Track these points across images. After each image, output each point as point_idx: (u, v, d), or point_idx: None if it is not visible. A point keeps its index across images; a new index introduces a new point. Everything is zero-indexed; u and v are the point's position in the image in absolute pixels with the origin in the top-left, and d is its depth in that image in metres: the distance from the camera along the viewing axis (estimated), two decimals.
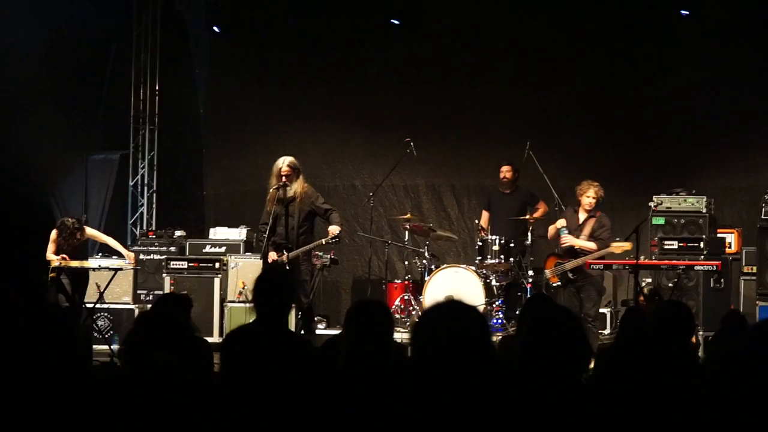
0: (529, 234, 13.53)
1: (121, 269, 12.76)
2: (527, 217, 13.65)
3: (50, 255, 12.27)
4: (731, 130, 14.66)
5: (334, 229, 11.68)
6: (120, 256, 13.15)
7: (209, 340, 9.22)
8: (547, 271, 12.36)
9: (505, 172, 13.99)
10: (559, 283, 12.17)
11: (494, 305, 13.27)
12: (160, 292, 14.12)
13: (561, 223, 12.19)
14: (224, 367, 4.46)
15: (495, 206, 14.14)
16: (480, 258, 13.51)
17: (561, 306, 5.49)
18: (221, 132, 16.87)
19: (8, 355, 4.70)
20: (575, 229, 12.06)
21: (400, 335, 13.26)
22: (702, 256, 12.38)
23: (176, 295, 8.37)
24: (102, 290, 12.44)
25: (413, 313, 13.61)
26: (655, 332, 6.56)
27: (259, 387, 4.02)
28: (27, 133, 14.39)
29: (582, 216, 12.16)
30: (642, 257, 11.51)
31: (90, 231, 12.92)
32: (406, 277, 14.10)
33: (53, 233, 12.41)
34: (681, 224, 12.96)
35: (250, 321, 5.60)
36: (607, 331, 13.52)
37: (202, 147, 17.15)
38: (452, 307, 3.69)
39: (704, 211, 13.12)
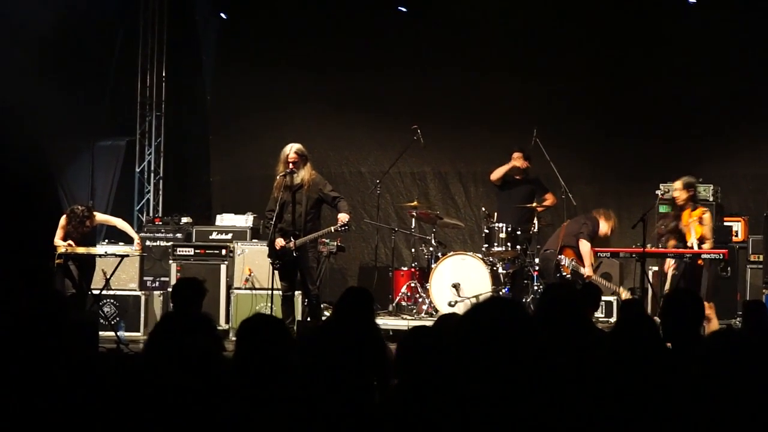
0: (536, 222, 13.52)
1: (127, 256, 12.75)
2: (534, 205, 13.64)
3: (57, 241, 12.26)
4: (738, 119, 14.63)
5: (343, 217, 11.64)
6: (127, 240, 13.13)
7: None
8: (565, 258, 12.42)
9: (516, 158, 13.95)
10: (569, 276, 12.30)
11: (501, 293, 13.26)
12: (166, 279, 14.15)
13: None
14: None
15: (504, 190, 14.11)
16: (486, 245, 13.50)
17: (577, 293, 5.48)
18: (228, 118, 16.87)
19: (15, 342, 4.72)
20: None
21: (407, 322, 13.27)
22: None
23: (189, 280, 8.32)
24: (108, 277, 12.44)
25: (419, 300, 13.61)
26: (663, 320, 6.55)
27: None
28: (34, 119, 14.40)
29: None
30: (648, 245, 11.49)
31: (100, 216, 12.89)
32: (413, 265, 14.09)
33: (62, 220, 12.39)
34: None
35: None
36: (613, 319, 13.51)
37: (208, 133, 17.16)
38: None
39: (711, 199, 13.11)
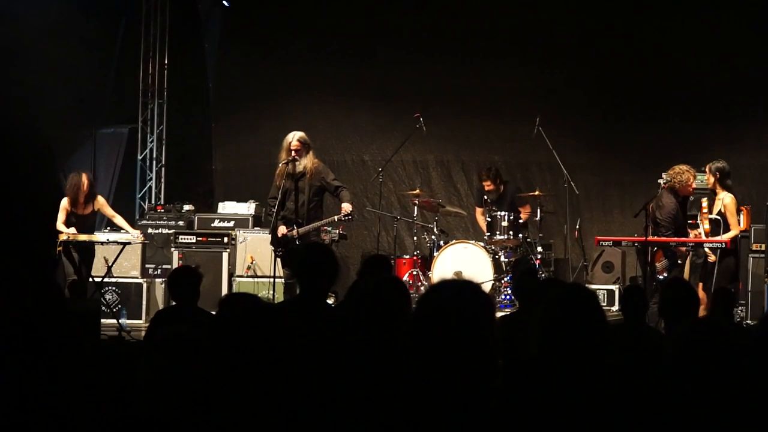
0: (538, 210, 13.51)
1: (129, 243, 12.75)
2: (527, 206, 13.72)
3: (60, 225, 12.23)
4: (741, 108, 14.63)
5: (347, 207, 11.62)
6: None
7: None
8: (657, 264, 11.80)
9: (487, 186, 13.81)
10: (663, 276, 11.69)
11: (503, 281, 13.28)
12: (168, 267, 14.14)
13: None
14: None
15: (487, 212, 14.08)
16: (489, 234, 13.50)
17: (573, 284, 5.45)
18: (230, 106, 16.85)
19: (16, 330, 4.71)
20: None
21: None
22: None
23: (185, 268, 8.38)
24: (110, 264, 12.43)
25: (422, 288, 13.60)
26: (660, 310, 6.56)
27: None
28: (36, 107, 14.37)
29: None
30: (651, 234, 11.46)
31: (102, 201, 12.86)
32: (415, 253, 14.07)
33: (63, 201, 12.39)
34: (690, 201, 12.90)
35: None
36: (615, 308, 13.51)
37: (211, 121, 17.14)
38: (462, 285, 3.63)
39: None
